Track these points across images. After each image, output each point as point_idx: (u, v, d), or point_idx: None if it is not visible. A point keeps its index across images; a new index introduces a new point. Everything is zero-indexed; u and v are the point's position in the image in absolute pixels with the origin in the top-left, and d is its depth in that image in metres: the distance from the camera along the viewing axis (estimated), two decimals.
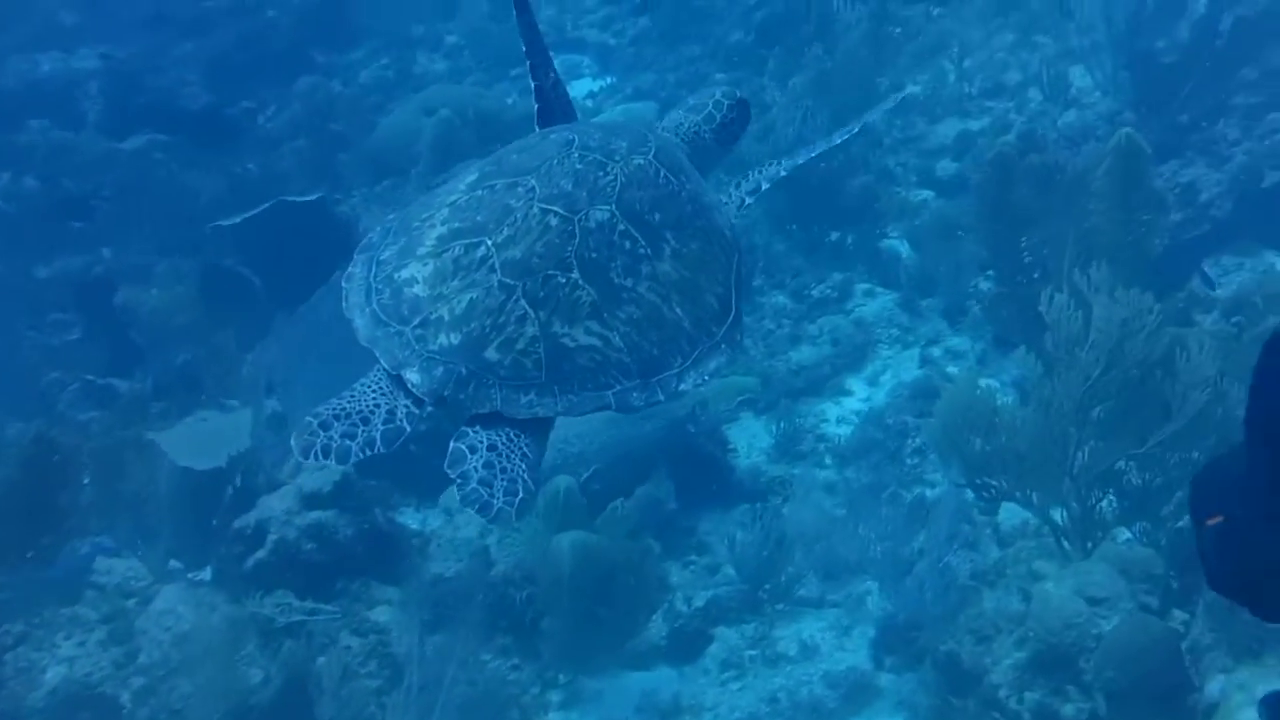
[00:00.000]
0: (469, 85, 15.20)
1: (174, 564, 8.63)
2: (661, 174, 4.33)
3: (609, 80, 15.35)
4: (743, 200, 4.83)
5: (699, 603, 8.40)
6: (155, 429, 9.16)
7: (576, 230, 4.06)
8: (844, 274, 10.88)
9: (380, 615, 8.04)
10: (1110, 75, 11.19)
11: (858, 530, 8.21)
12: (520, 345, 3.93)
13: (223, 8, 16.36)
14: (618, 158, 4.29)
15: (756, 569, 8.29)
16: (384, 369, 4.01)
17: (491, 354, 3.92)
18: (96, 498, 8.55)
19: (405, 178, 13.06)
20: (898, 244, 11.10)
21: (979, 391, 7.61)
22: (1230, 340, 7.95)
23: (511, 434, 3.93)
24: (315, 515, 8.25)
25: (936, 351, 10.13)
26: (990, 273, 9.88)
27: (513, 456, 3.87)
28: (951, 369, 9.86)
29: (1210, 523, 2.75)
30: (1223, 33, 10.04)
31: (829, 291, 10.72)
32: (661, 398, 4.09)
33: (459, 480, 3.80)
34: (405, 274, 4.11)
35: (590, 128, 4.63)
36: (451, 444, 3.89)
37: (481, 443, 3.88)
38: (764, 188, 4.83)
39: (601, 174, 4.21)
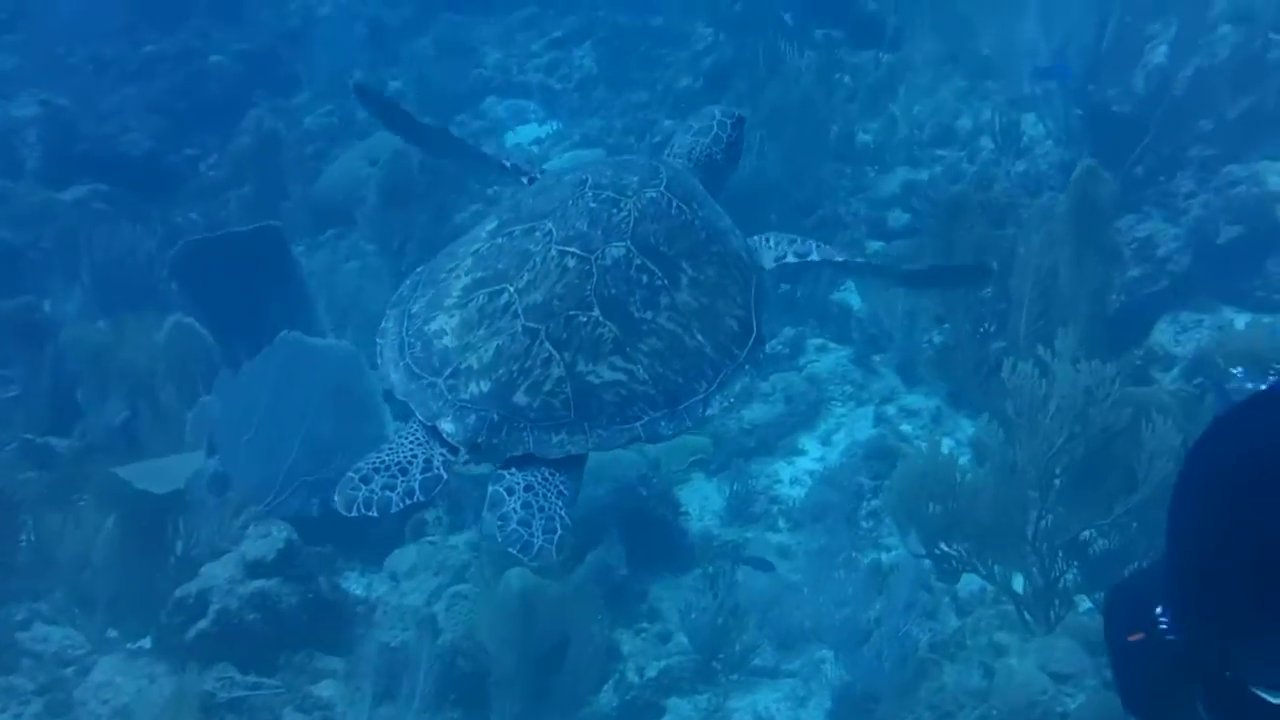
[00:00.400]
0: None
1: (112, 633, 8.28)
2: (674, 205, 4.46)
3: (555, 125, 15.14)
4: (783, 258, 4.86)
5: (651, 673, 8.11)
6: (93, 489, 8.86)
7: (594, 269, 4.20)
8: (795, 328, 10.66)
9: (325, 690, 7.74)
10: (1063, 123, 11.09)
11: (813, 596, 7.99)
12: (548, 387, 4.07)
13: (165, 53, 16.12)
14: (630, 193, 4.44)
15: (710, 638, 8.01)
16: (419, 421, 4.16)
17: (520, 398, 4.07)
18: (32, 560, 8.30)
19: (351, 226, 12.76)
20: (849, 296, 10.92)
21: (939, 459, 7.41)
22: (1194, 402, 7.86)
23: (547, 473, 4.07)
24: (259, 584, 7.94)
25: (891, 409, 9.93)
26: (945, 326, 9.74)
27: (549, 495, 4.02)
28: (906, 427, 9.70)
29: (1131, 639, 2.63)
30: (1180, 83, 9.93)
31: (780, 347, 10.49)
32: (689, 424, 4.24)
33: (499, 522, 3.96)
34: (434, 326, 4.25)
35: (603, 165, 4.72)
36: (490, 488, 4.05)
37: (519, 484, 4.03)
38: (790, 261, 4.85)
39: (615, 211, 4.35)
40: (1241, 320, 9.16)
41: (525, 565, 4.35)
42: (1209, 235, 9.41)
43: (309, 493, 9.24)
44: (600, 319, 4.14)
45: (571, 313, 4.14)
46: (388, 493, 4.00)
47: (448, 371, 4.15)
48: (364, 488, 4.02)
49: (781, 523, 9.16)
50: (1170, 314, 9.34)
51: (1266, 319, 9.08)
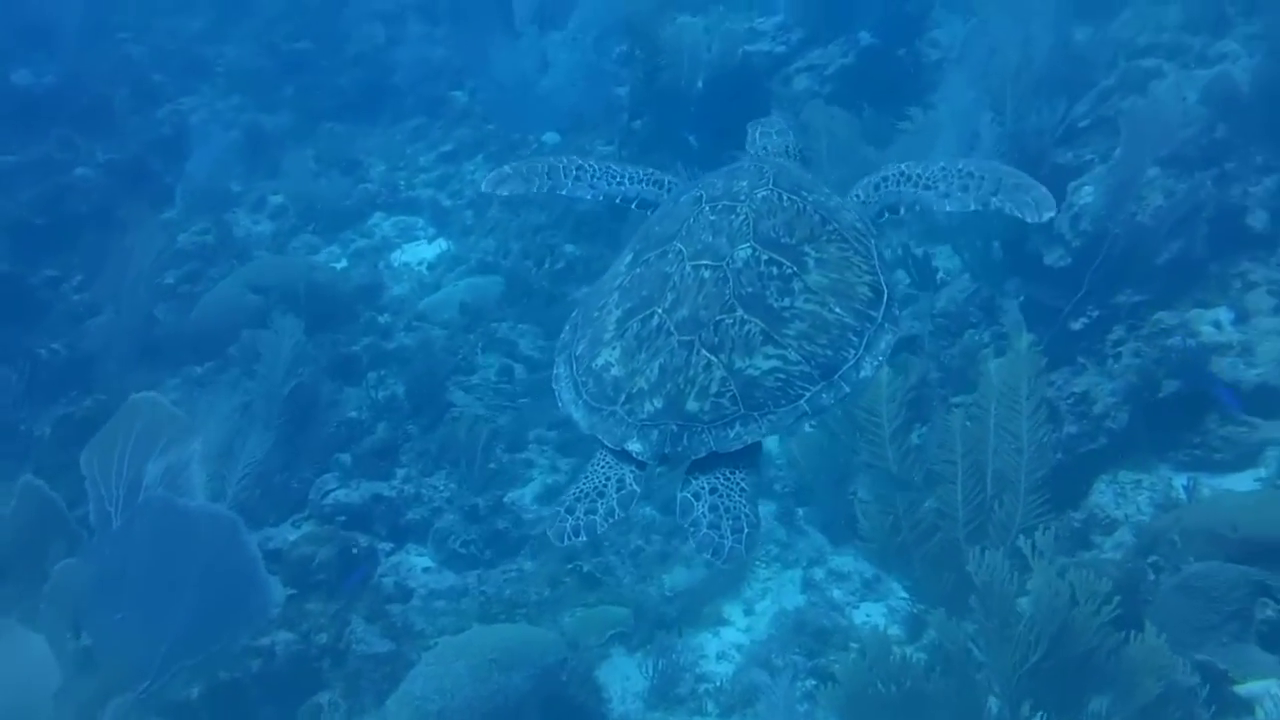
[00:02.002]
0: (297, 251, 14.25)
1: None
2: (784, 198, 4.81)
3: (447, 245, 14.47)
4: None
5: None
6: None
7: (728, 274, 4.54)
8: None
9: None
10: (980, 257, 10.72)
11: None
12: (714, 389, 4.35)
13: (24, 163, 15.09)
14: (742, 198, 4.79)
15: None
16: (607, 448, 4.45)
17: (692, 405, 4.35)
18: None
19: (230, 360, 11.94)
20: (769, 444, 10.36)
21: (889, 660, 6.88)
22: (1146, 584, 7.47)
23: (728, 471, 4.33)
24: None
25: (819, 573, 9.40)
26: (870, 479, 9.27)
27: (732, 494, 4.28)
28: (836, 593, 9.20)
29: None
30: (1114, 234, 9.62)
31: None
32: (848, 389, 4.48)
33: (691, 529, 4.22)
34: (600, 360, 4.57)
35: (713, 179, 5.02)
36: (678, 495, 4.30)
37: (704, 488, 4.28)
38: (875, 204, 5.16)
39: (733, 217, 4.71)
40: (1180, 480, 8.80)
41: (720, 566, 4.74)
42: (1146, 390, 9.04)
43: (189, 677, 8.40)
44: (745, 317, 4.45)
45: (718, 318, 4.45)
46: (591, 516, 4.30)
47: (622, 398, 4.45)
48: (570, 518, 4.32)
49: (710, 705, 8.55)
50: (1109, 473, 8.94)
51: (1208, 480, 8.74)
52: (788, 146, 5.45)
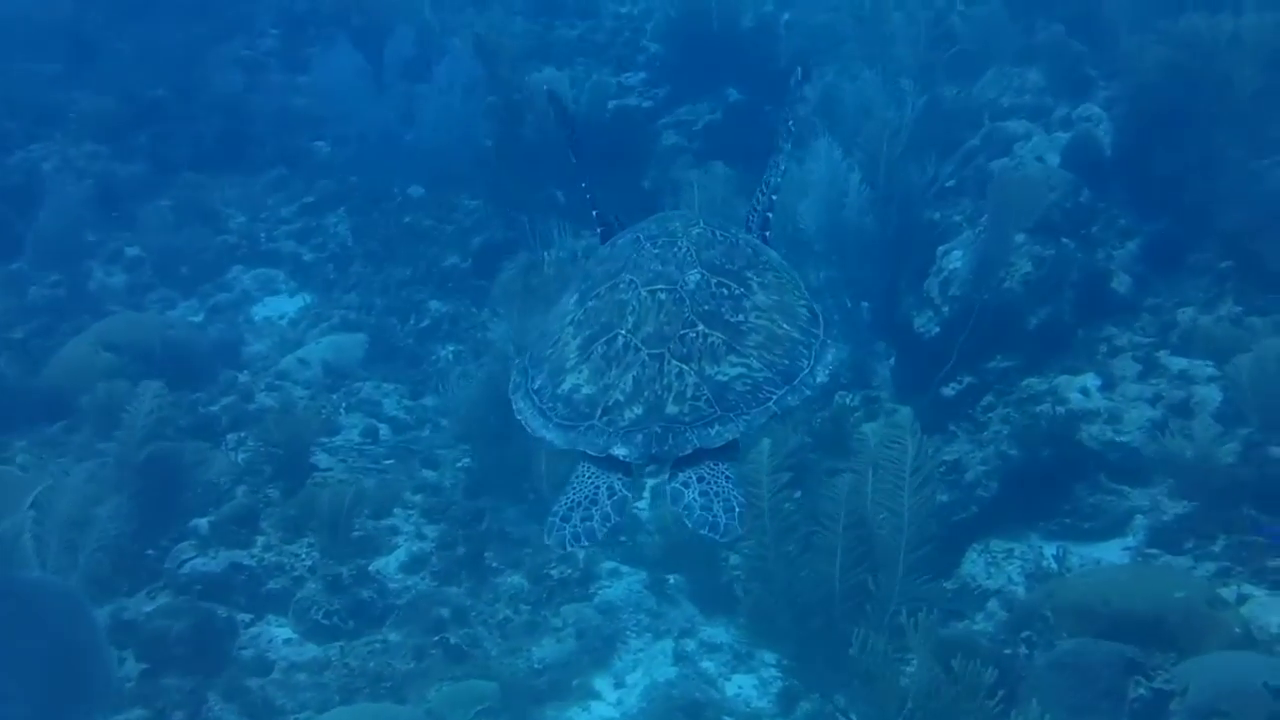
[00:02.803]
0: (154, 305, 13.81)
1: None
2: (717, 233, 5.13)
3: (309, 300, 14.07)
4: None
5: None
6: None
7: (683, 295, 4.80)
8: (585, 550, 9.90)
9: None
10: (849, 315, 10.73)
11: None
12: (690, 394, 4.60)
13: None
14: (679, 233, 5.06)
15: None
16: (589, 457, 4.65)
17: (672, 408, 4.58)
18: None
19: (83, 420, 11.43)
20: (639, 509, 10.22)
21: None
22: (1021, 660, 7.44)
23: (710, 465, 4.57)
24: None
25: (690, 645, 9.24)
26: (744, 546, 9.18)
27: (719, 480, 4.54)
28: (708, 665, 9.05)
29: None
30: (985, 303, 9.67)
31: (570, 571, 9.73)
32: (808, 392, 4.74)
33: (684, 512, 4.46)
34: (567, 385, 4.78)
35: (644, 225, 5.27)
36: (668, 487, 4.54)
37: (692, 478, 4.53)
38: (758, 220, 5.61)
39: (676, 249, 4.97)
40: (1050, 549, 8.84)
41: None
42: (1017, 459, 9.08)
43: None
44: (706, 330, 4.71)
45: (682, 332, 4.70)
46: (588, 523, 4.50)
47: (599, 411, 4.65)
48: (566, 526, 4.51)
49: None
50: (981, 542, 8.96)
51: (1077, 549, 8.80)
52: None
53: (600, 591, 9.71)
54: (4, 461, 10.87)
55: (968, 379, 9.56)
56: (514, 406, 4.95)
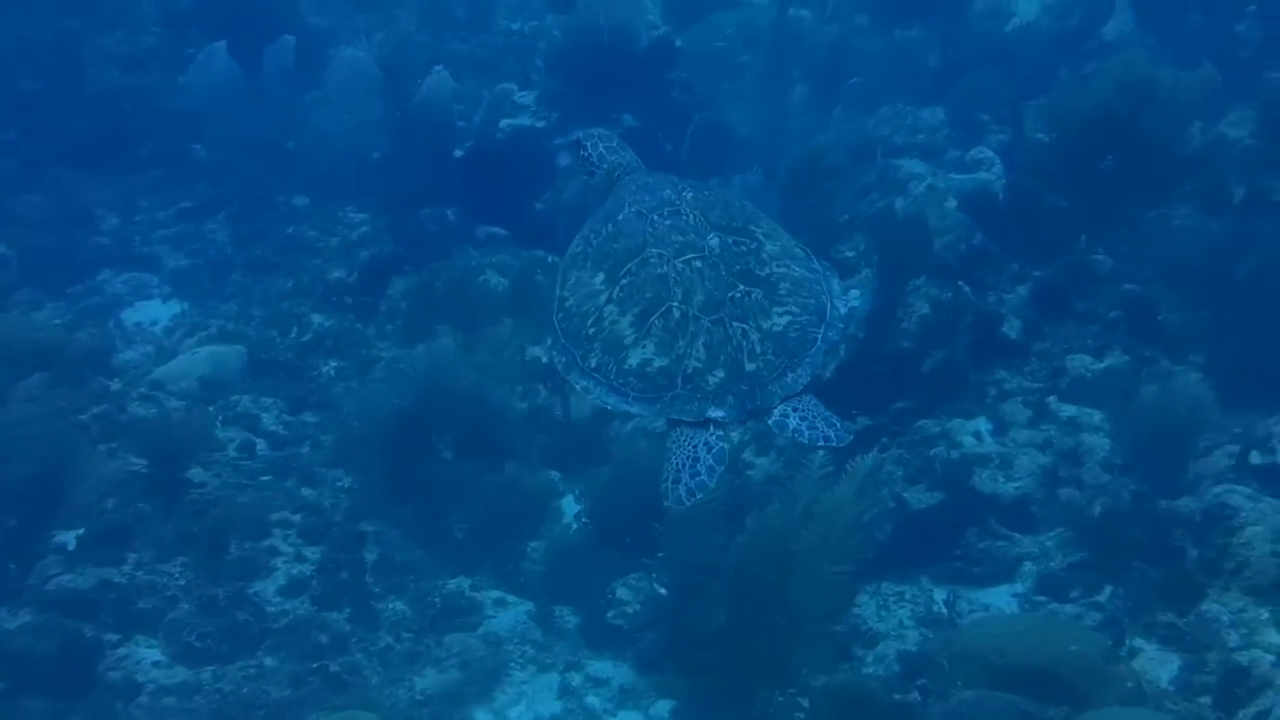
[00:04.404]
0: (19, 307, 13.28)
1: None
2: (707, 194, 5.58)
3: (183, 307, 13.66)
4: None
5: None
6: None
7: (716, 259, 5.25)
8: (471, 578, 9.72)
9: None
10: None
11: None
12: (759, 349, 5.10)
13: None
14: (676, 201, 5.49)
15: None
16: (682, 422, 5.08)
17: (749, 366, 5.07)
18: None
19: None
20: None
21: None
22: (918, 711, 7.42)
23: (795, 400, 5.08)
24: None
25: (576, 679, 9.07)
26: (631, 578, 9.11)
27: (808, 405, 5.09)
28: (593, 700, 8.90)
29: None
30: (883, 346, 9.71)
31: (456, 599, 9.53)
32: (840, 325, 5.33)
33: (795, 435, 5.05)
34: (634, 360, 5.16)
35: (634, 197, 5.62)
36: (771, 421, 5.10)
37: (790, 409, 5.07)
38: None
39: (684, 218, 5.39)
40: (941, 594, 8.89)
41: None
42: (910, 502, 9.12)
43: None
44: (746, 289, 5.20)
45: (730, 294, 5.16)
46: (698, 478, 4.96)
47: (679, 380, 5.06)
48: (679, 485, 4.97)
49: None
50: (873, 584, 8.96)
51: (967, 594, 8.85)
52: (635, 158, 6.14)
53: (485, 622, 9.52)
54: None
55: (867, 421, 9.55)
56: (577, 386, 5.28)
